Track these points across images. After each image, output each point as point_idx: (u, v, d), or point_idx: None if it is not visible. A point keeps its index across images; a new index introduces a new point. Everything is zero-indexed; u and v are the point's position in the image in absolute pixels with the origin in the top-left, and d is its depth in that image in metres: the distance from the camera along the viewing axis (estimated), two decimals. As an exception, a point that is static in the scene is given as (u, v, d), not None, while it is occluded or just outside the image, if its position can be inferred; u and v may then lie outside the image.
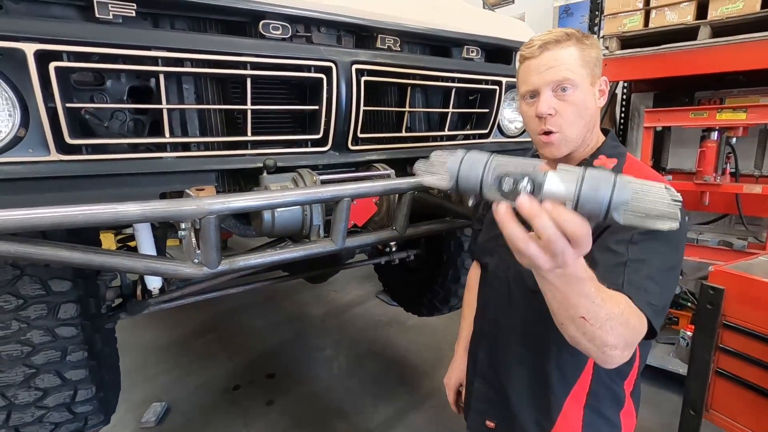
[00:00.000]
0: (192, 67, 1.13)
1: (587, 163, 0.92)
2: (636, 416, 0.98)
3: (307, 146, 1.34)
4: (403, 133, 1.53)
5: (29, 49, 0.91)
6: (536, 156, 1.02)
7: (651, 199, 0.48)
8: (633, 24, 2.62)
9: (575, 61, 0.86)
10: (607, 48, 2.71)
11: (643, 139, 2.67)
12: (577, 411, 0.91)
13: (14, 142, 0.97)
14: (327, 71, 1.25)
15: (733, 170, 2.81)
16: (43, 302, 1.24)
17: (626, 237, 0.77)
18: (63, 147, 1.00)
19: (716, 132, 2.66)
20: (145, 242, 1.45)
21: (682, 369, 2.43)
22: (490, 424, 1.03)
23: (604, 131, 0.98)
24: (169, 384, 2.67)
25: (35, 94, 0.94)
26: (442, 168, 0.59)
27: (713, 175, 2.70)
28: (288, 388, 2.62)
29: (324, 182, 1.24)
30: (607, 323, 0.63)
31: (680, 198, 0.49)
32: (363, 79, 1.31)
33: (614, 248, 0.77)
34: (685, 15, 2.51)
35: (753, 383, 1.49)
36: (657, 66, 2.54)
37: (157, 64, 1.06)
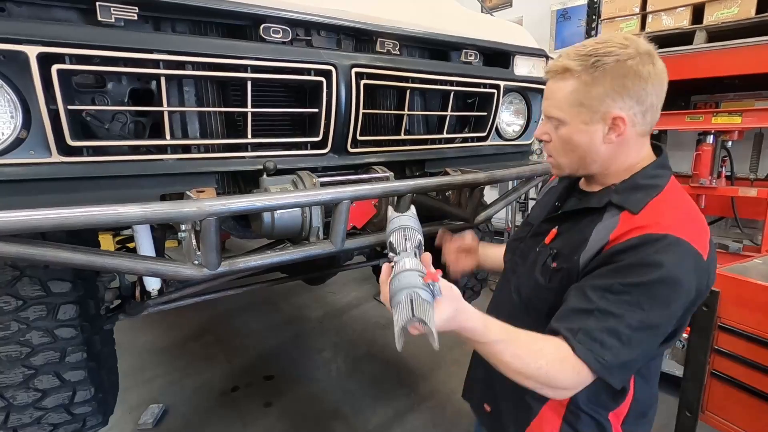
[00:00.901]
0: (193, 70, 1.14)
1: (610, 191, 0.86)
2: None
3: (306, 148, 1.35)
4: (402, 136, 1.54)
5: (32, 51, 0.91)
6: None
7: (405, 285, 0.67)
8: (630, 28, 2.64)
9: (566, 99, 0.82)
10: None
11: None
12: (554, 421, 0.90)
13: (16, 143, 0.98)
14: (327, 74, 1.26)
15: (728, 173, 2.83)
16: (43, 303, 1.24)
17: (606, 284, 0.74)
18: (64, 149, 1.01)
19: (712, 136, 2.68)
20: (145, 244, 1.46)
21: (678, 371, 2.44)
22: (487, 407, 1.05)
23: (657, 149, 0.90)
24: (166, 386, 2.66)
25: (37, 97, 0.95)
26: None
27: (709, 179, 2.72)
28: (286, 389, 2.62)
29: (323, 184, 1.25)
30: (517, 376, 0.74)
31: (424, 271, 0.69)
32: (362, 82, 1.32)
33: (589, 294, 0.75)
34: (681, 20, 2.54)
35: (748, 385, 1.50)
36: None
37: (158, 67, 1.07)
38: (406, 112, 1.51)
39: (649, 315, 0.72)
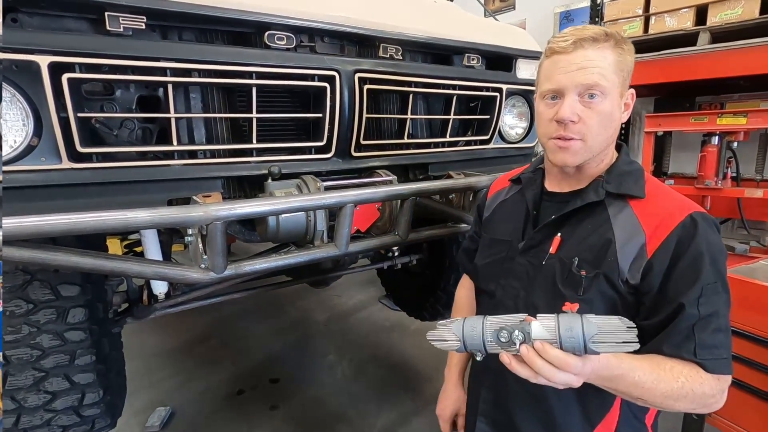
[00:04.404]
0: (199, 77, 1.16)
1: (601, 182, 0.84)
2: None
3: (310, 153, 1.36)
4: (405, 140, 1.55)
5: (43, 61, 0.94)
6: (540, 167, 0.97)
7: (612, 329, 0.60)
8: (633, 30, 2.64)
9: (609, 66, 0.77)
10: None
11: (644, 144, 2.68)
12: None
13: (27, 150, 1.00)
14: (330, 80, 1.28)
15: (734, 174, 2.81)
16: (53, 307, 1.26)
17: (695, 292, 0.73)
18: (74, 155, 1.03)
19: (717, 137, 2.67)
20: (152, 247, 1.48)
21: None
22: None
23: (617, 146, 0.90)
24: (173, 389, 2.68)
25: (48, 105, 0.97)
26: (448, 333, 0.70)
27: (714, 180, 2.70)
28: (292, 393, 2.63)
29: (327, 188, 1.27)
30: (666, 400, 0.70)
31: (633, 325, 0.60)
32: (365, 87, 1.34)
33: (688, 310, 0.73)
34: (685, 21, 2.53)
35: (755, 387, 1.49)
36: (657, 71, 2.55)
37: (165, 75, 1.09)
38: (409, 116, 1.52)
39: (726, 292, 0.76)
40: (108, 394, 1.43)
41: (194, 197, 1.11)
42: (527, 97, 1.85)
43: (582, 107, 0.78)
